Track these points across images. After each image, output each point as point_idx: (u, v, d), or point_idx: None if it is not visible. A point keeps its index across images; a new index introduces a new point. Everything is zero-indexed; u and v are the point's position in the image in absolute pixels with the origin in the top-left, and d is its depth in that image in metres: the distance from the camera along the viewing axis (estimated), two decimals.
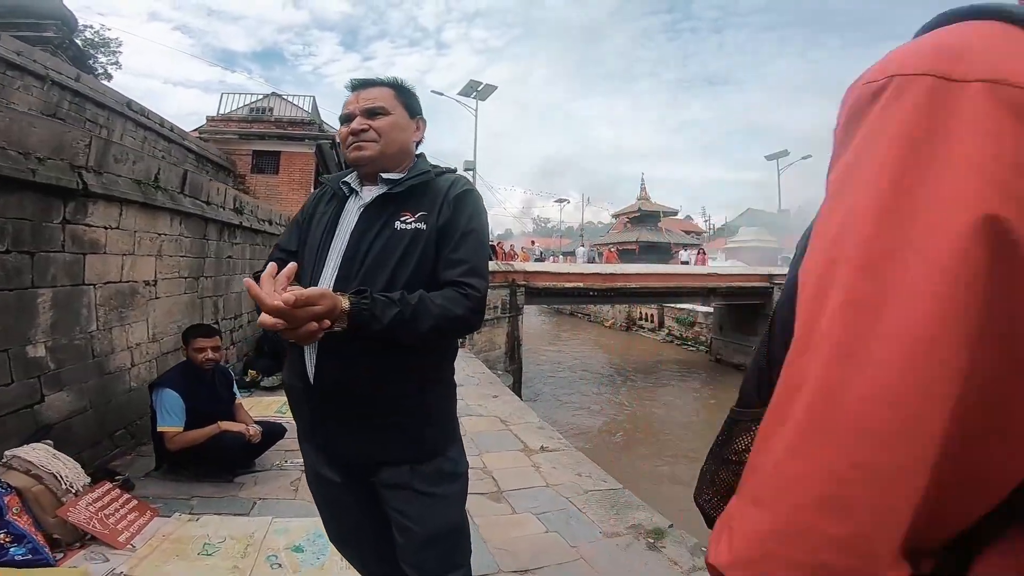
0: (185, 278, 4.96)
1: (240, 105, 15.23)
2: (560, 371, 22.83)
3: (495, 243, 18.58)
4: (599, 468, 4.26)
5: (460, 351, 8.19)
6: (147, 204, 4.10)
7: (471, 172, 23.61)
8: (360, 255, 1.41)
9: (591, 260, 21.04)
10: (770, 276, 21.98)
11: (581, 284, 19.68)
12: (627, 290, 20.45)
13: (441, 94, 23.56)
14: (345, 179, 1.54)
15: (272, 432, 3.94)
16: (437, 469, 1.50)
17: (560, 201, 42.93)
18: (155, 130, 10.04)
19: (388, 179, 1.48)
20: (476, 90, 22.98)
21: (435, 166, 1.58)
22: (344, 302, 1.21)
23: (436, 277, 1.41)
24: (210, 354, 3.60)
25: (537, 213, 68.06)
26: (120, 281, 3.92)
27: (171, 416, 3.47)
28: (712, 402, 18.74)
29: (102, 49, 24.32)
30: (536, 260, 18.95)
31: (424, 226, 1.42)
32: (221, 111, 14.60)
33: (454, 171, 1.60)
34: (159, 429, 3.46)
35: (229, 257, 6.11)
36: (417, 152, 1.62)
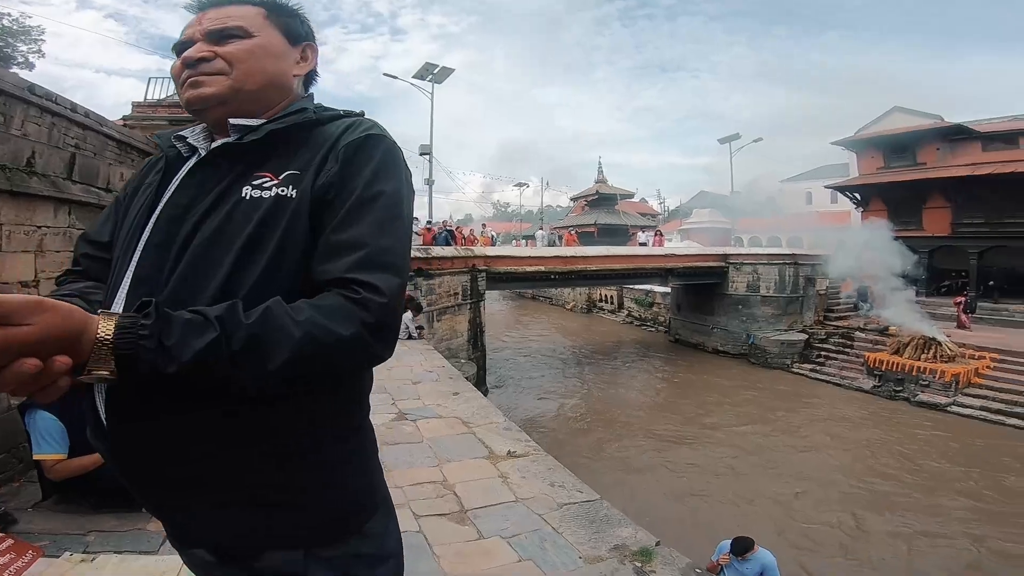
0: None
1: (173, 91, 14.08)
2: (523, 356, 22.70)
3: (455, 227, 17.99)
4: (572, 475, 3.89)
5: (418, 342, 7.64)
6: (15, 192, 3.46)
7: (427, 156, 22.91)
8: (176, 244, 0.88)
9: (551, 243, 20.75)
10: (725, 256, 22.23)
11: (542, 268, 19.39)
12: (588, 272, 20.31)
13: (395, 77, 22.64)
14: (183, 134, 1.00)
15: None
16: (350, 554, 0.99)
17: (520, 185, 42.57)
18: (65, 116, 8.99)
19: (239, 124, 0.96)
20: (432, 73, 22.15)
21: (325, 108, 1.05)
22: (102, 325, 0.70)
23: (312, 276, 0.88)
24: None
25: (497, 198, 67.33)
26: None
27: (48, 442, 2.90)
28: (675, 380, 18.94)
29: (22, 37, 22.39)
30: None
31: (292, 191, 0.90)
32: (150, 97, 13.43)
33: (359, 115, 1.04)
34: (35, 457, 2.91)
35: None
36: (305, 93, 1.11)
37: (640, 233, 24.87)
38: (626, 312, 30.52)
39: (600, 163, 36.73)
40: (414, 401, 5.79)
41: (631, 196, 37.84)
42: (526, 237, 37.76)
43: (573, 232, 22.52)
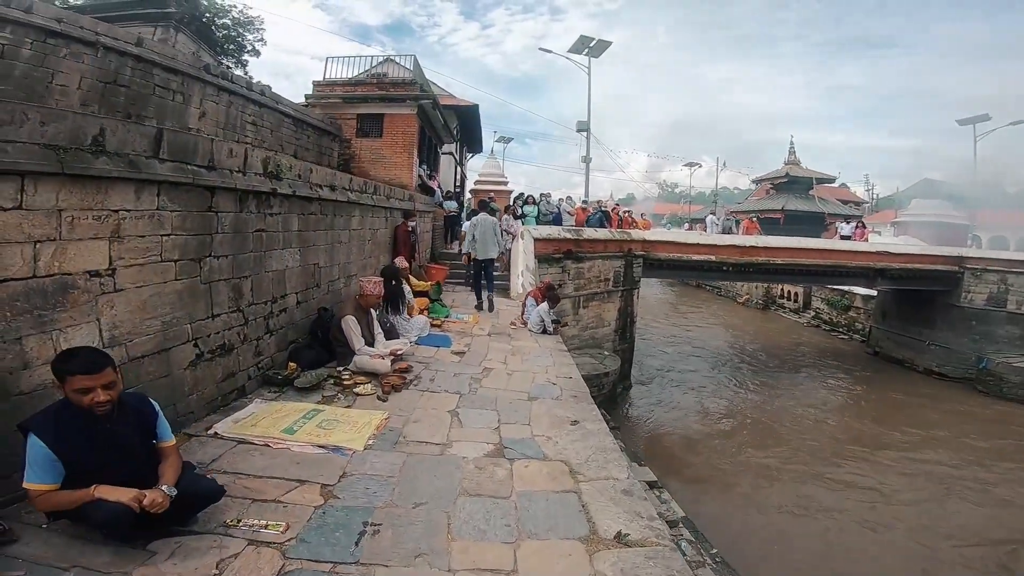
0: (176, 261, 3.92)
1: (362, 70, 14.53)
2: (676, 350, 20.46)
3: (609, 208, 16.52)
4: None
5: (551, 339, 5.99)
6: (78, 176, 2.98)
7: (584, 133, 21.48)
8: None
9: (726, 230, 18.13)
10: (960, 258, 17.50)
11: (712, 257, 16.98)
12: (770, 266, 17.34)
13: (549, 51, 21.54)
14: None
15: (197, 495, 2.75)
16: None
17: (690, 165, 38.81)
18: (241, 94, 9.47)
19: None
20: (588, 46, 20.54)
21: None
22: None
23: None
24: (100, 395, 2.43)
25: (664, 178, 63.02)
26: (33, 276, 2.88)
27: (36, 471, 2.36)
28: (867, 401, 15.43)
29: (248, 27, 25.37)
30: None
31: None
32: (328, 76, 14.04)
33: None
34: (23, 485, 2.41)
35: (260, 231, 5.06)
36: None
37: (841, 224, 20.75)
38: (813, 313, 26.18)
39: (792, 142, 31.74)
40: (522, 428, 4.72)
41: (830, 181, 32.16)
42: (695, 220, 34.45)
43: (754, 218, 19.45)
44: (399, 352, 6.08)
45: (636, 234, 16.14)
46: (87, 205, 3.15)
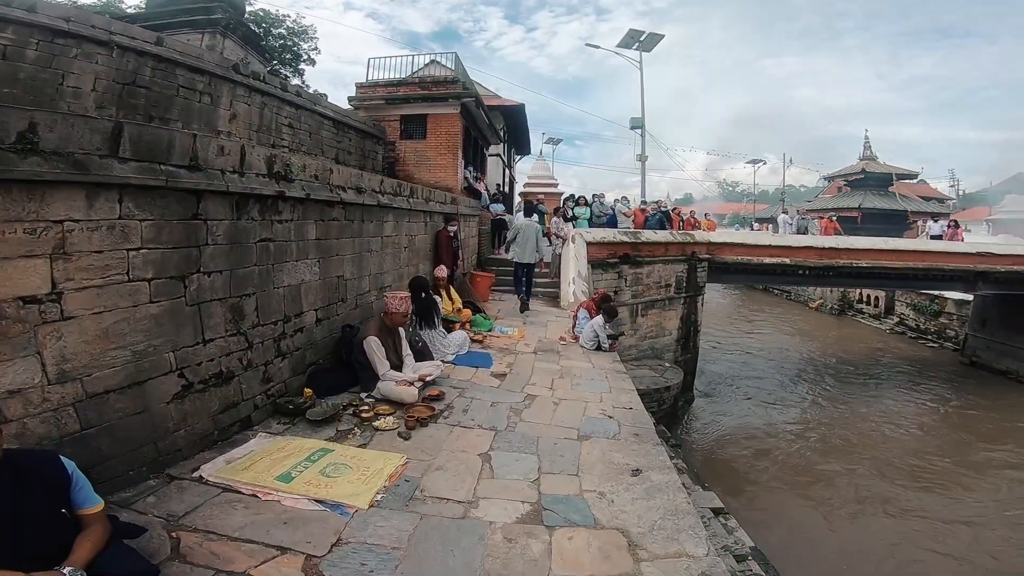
0: (150, 280, 3.26)
1: (409, 73, 14.01)
2: (742, 358, 18.84)
3: (671, 208, 15.25)
4: None
5: (607, 356, 4.03)
6: None
7: (638, 131, 20.22)
8: None
9: (801, 230, 16.44)
10: None
11: (787, 260, 15.42)
12: (853, 270, 15.59)
13: (597, 47, 21.73)
14: None
15: None
16: None
17: (754, 162, 36.26)
18: (276, 95, 9.00)
19: None
20: (638, 40, 19.26)
21: None
22: None
23: None
24: None
25: (724, 176, 59.91)
26: None
27: None
28: (956, 417, 13.50)
29: (302, 36, 25.69)
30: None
31: None
32: (371, 78, 13.59)
33: None
34: None
35: (267, 240, 4.39)
36: None
37: (929, 223, 18.53)
38: (896, 319, 23.76)
39: (867, 137, 29.06)
40: (568, 480, 3.79)
41: (912, 177, 29.16)
42: (761, 220, 32.28)
43: (833, 217, 17.58)
44: (429, 377, 5.29)
45: (700, 236, 14.83)
46: (14, 216, 2.50)
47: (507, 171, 23.20)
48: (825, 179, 31.79)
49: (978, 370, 17.98)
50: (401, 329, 5.30)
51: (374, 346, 4.91)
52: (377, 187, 6.33)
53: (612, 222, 13.87)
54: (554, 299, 11.12)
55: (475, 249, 12.00)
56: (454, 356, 6.45)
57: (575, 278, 10.81)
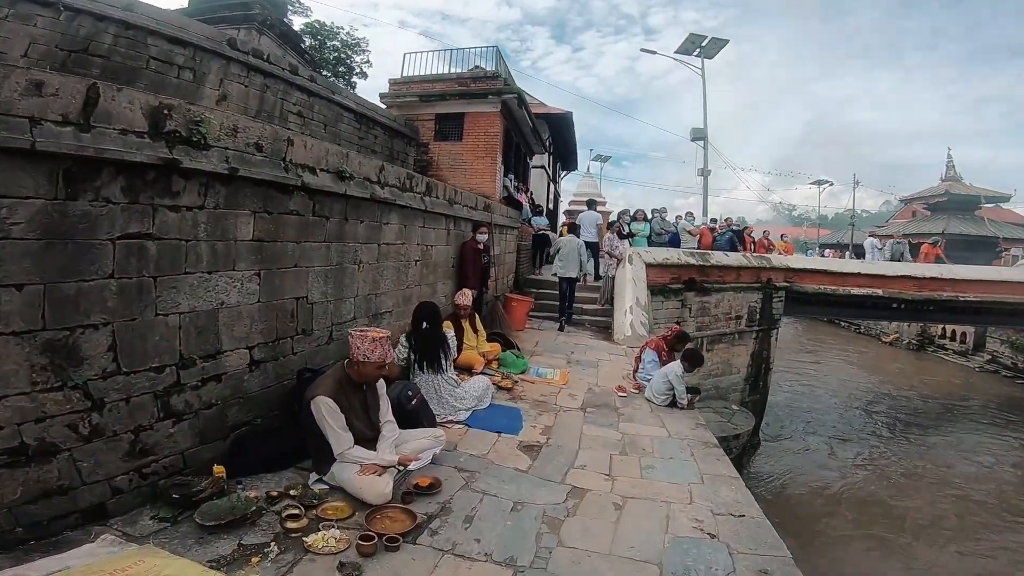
0: None
1: (457, 69, 12.25)
2: (807, 397, 16.05)
3: (743, 228, 12.79)
4: None
5: (681, 417, 4.08)
6: None
7: (701, 141, 17.85)
8: None
9: (896, 256, 13.68)
10: None
11: (879, 291, 12.72)
12: (957, 304, 12.69)
13: (652, 52, 18.15)
14: None
15: None
16: None
17: (819, 183, 32.55)
18: (282, 78, 7.35)
19: None
20: (700, 46, 17.01)
21: None
22: None
23: None
24: None
25: (779, 199, 55.85)
26: None
27: None
28: None
29: (355, 49, 24.89)
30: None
31: None
32: (405, 73, 11.96)
33: None
34: None
35: (142, 238, 2.53)
36: None
37: None
38: (987, 356, 20.28)
39: (950, 157, 25.52)
40: None
41: (1005, 199, 25.34)
42: (827, 245, 28.96)
43: (937, 242, 14.67)
44: (415, 464, 3.26)
45: (777, 260, 12.34)
46: None
47: (552, 186, 21.12)
48: (902, 201, 28.17)
49: None
50: (381, 384, 3.30)
51: (324, 411, 2.94)
52: (374, 175, 4.42)
53: (674, 241, 11.62)
54: (605, 330, 8.94)
55: (512, 268, 9.97)
56: (469, 413, 4.41)
57: (632, 307, 8.62)
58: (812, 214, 47.69)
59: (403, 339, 4.30)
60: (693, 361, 5.26)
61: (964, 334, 21.23)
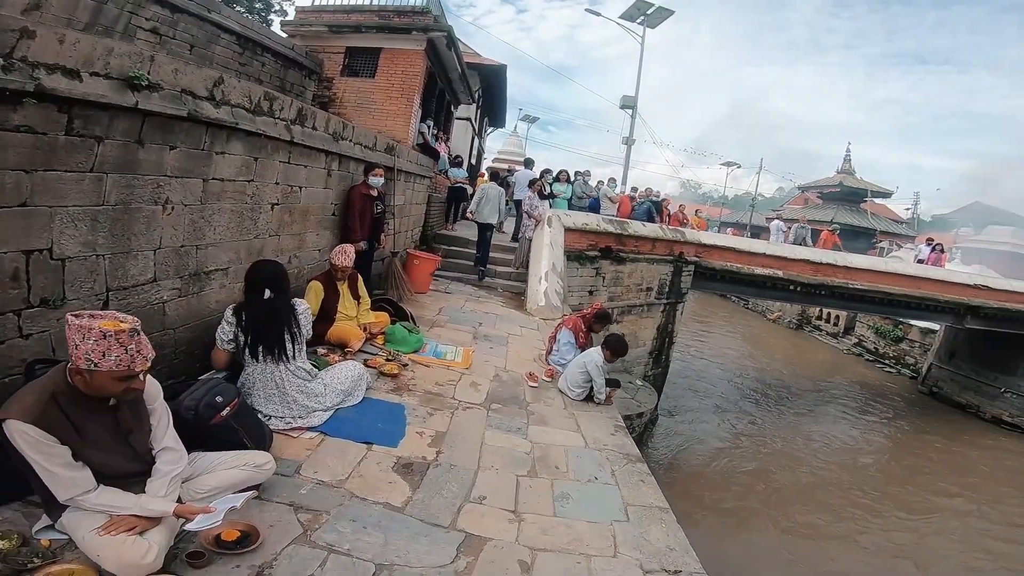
0: None
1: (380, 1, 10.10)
2: (698, 370, 16.49)
3: (661, 199, 12.18)
4: None
5: (598, 414, 4.22)
6: None
7: (629, 110, 17.09)
8: None
9: (799, 240, 13.85)
10: None
11: (779, 272, 12.74)
12: (846, 291, 13.05)
13: (597, 14, 16.95)
14: None
15: None
16: None
17: (728, 164, 33.56)
18: None
19: None
20: (644, 13, 16.03)
21: None
22: None
23: None
24: None
25: (688, 177, 57.71)
26: None
27: None
28: (917, 448, 12.10)
29: None
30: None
31: None
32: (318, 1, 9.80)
33: None
34: None
35: None
36: None
37: (921, 246, 16.34)
38: (854, 340, 21.94)
39: (848, 151, 26.89)
40: None
41: (887, 195, 27.29)
42: (731, 224, 29.93)
43: (835, 230, 15.03)
44: (203, 525, 1.98)
45: (691, 235, 11.90)
46: None
47: (476, 140, 19.49)
48: (799, 189, 29.65)
49: (938, 401, 16.49)
50: (152, 392, 1.99)
51: (23, 443, 1.62)
52: (202, 88, 2.91)
53: (594, 206, 10.78)
54: (518, 297, 7.95)
55: (419, 221, 8.59)
56: (330, 414, 3.19)
57: (548, 272, 7.66)
58: (715, 193, 49.60)
59: (228, 313, 2.94)
60: (616, 351, 4.35)
61: (837, 317, 22.74)
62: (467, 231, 10.96)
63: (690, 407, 13.09)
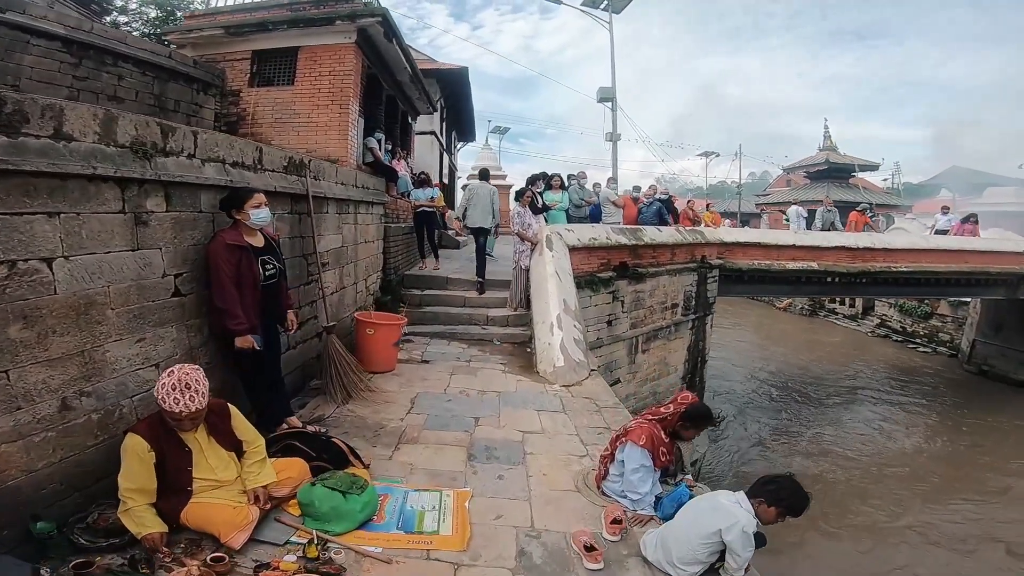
0: None
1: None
2: (710, 371, 14.58)
3: (675, 197, 9.84)
4: None
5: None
6: None
7: (609, 102, 15.01)
8: None
9: (827, 226, 11.80)
10: None
11: (814, 264, 10.63)
12: (889, 275, 10.99)
13: (559, 2, 14.95)
14: None
15: None
16: None
17: (706, 155, 31.69)
18: None
19: None
20: None
21: None
22: None
23: None
24: None
25: (661, 172, 56.00)
26: None
27: None
28: (966, 432, 10.30)
29: None
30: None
31: None
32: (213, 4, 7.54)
33: None
34: None
35: None
36: None
37: (936, 216, 14.32)
38: (876, 320, 19.99)
39: (827, 127, 25.18)
40: None
41: (874, 168, 25.64)
42: (726, 215, 27.97)
43: (865, 210, 12.97)
44: None
45: (711, 235, 9.70)
46: None
47: (446, 157, 17.16)
48: (785, 170, 27.95)
49: (988, 380, 14.41)
50: None
51: None
52: None
53: (596, 215, 8.53)
54: (522, 352, 5.61)
55: (373, 265, 6.21)
56: None
57: (560, 316, 5.33)
58: (690, 185, 47.89)
59: None
60: (793, 508, 2.04)
61: (853, 298, 20.89)
62: (453, 263, 8.65)
63: (714, 409, 11.37)
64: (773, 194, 27.89)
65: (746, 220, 28.67)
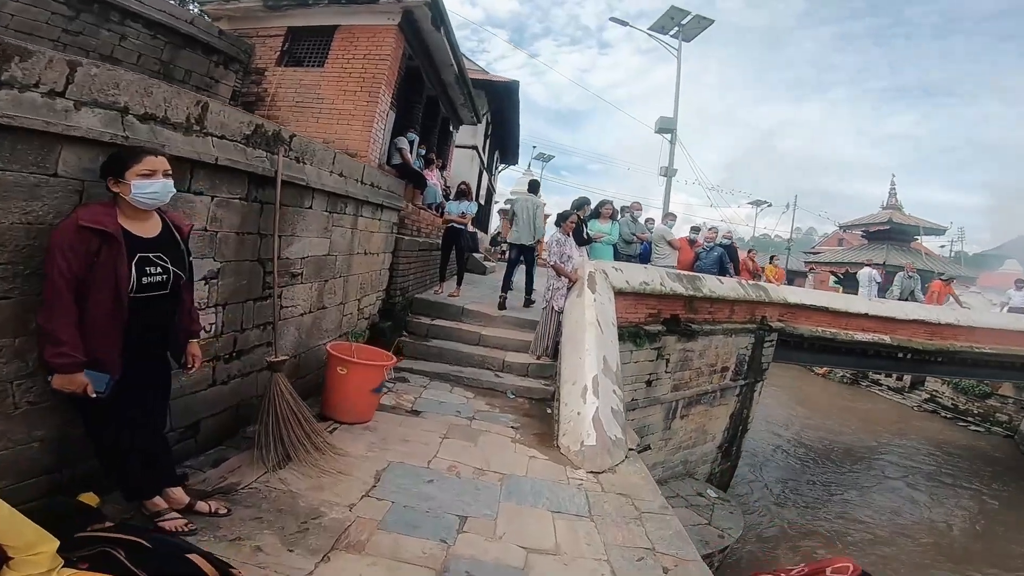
0: None
1: None
2: (749, 438, 12.96)
3: (734, 242, 8.34)
4: None
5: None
6: None
7: (668, 133, 13.81)
8: None
9: (906, 295, 10.21)
10: None
11: (885, 338, 9.02)
12: (971, 356, 9.29)
13: (624, 23, 13.98)
14: None
15: None
16: None
17: (757, 204, 29.63)
18: None
19: None
20: (679, 24, 13.04)
21: None
22: None
23: None
24: None
25: (703, 221, 54.29)
26: None
27: None
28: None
29: None
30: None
31: None
32: None
33: None
34: None
35: None
36: None
37: (1010, 292, 12.41)
38: (926, 395, 18.00)
39: (893, 183, 23.24)
40: None
41: (941, 232, 23.46)
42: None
43: (950, 280, 11.31)
44: None
45: (775, 293, 8.28)
46: None
47: (485, 176, 16.15)
48: (841, 228, 25.86)
49: None
50: None
51: None
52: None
53: (645, 255, 7.26)
54: (542, 412, 4.35)
55: (375, 283, 5.08)
56: None
57: (597, 378, 4.05)
58: (732, 234, 45.78)
59: None
60: None
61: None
62: (474, 290, 7.47)
63: (744, 478, 9.82)
64: (823, 252, 25.84)
65: (791, 278, 26.73)
